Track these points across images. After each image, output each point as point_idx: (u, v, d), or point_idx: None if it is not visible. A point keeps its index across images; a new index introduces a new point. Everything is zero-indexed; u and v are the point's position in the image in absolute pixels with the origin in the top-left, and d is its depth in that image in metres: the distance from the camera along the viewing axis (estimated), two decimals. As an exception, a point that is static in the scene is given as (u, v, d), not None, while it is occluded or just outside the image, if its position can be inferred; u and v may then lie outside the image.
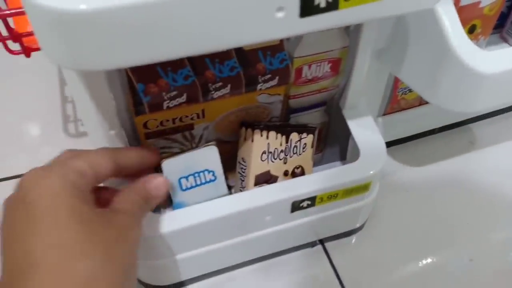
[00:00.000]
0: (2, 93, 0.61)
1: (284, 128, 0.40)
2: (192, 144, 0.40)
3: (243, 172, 0.40)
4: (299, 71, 0.38)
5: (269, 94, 0.39)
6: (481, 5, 0.36)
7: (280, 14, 0.24)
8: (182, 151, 0.37)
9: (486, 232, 0.49)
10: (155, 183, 0.32)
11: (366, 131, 0.42)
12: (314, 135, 0.40)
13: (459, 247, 0.47)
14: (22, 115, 0.59)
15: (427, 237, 0.48)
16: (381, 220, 0.49)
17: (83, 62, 0.22)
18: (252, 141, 0.38)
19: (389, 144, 0.55)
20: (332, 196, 0.40)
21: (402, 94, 0.49)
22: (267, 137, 0.38)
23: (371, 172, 0.40)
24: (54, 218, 0.25)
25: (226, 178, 0.40)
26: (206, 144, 0.37)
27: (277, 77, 0.37)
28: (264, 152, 0.38)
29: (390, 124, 0.52)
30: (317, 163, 0.51)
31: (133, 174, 0.33)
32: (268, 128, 0.38)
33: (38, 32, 0.22)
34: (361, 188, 0.41)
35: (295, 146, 0.39)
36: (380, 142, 0.42)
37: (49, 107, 0.58)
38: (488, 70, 0.35)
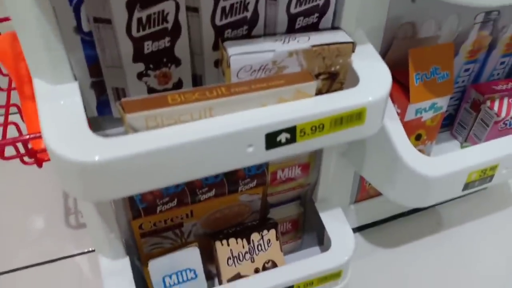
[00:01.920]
0: (8, 187, 0.66)
1: (243, 231, 0.45)
2: (182, 239, 0.45)
3: (219, 278, 0.45)
4: (274, 174, 0.45)
5: (249, 194, 0.45)
6: (423, 119, 0.44)
7: (250, 149, 0.31)
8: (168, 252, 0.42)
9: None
10: None
11: (336, 223, 0.48)
12: (275, 229, 0.45)
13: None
14: (26, 208, 0.64)
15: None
16: (357, 302, 0.53)
17: (96, 196, 0.28)
18: (216, 251, 0.43)
19: (363, 228, 0.61)
20: (308, 285, 0.44)
21: (370, 184, 0.56)
22: (228, 244, 0.43)
23: (342, 261, 0.45)
24: None
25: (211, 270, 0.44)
26: (189, 245, 0.42)
27: (255, 180, 0.44)
28: (229, 258, 0.43)
29: (362, 210, 0.58)
30: (297, 249, 0.56)
31: None
32: (228, 236, 0.44)
33: (61, 175, 0.28)
34: (334, 275, 0.46)
35: (259, 244, 0.44)
36: (348, 233, 0.47)
37: (52, 200, 0.64)
38: (432, 174, 0.41)
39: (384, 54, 0.43)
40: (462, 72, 0.51)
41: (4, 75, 0.52)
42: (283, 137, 0.31)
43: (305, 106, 0.31)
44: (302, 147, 0.32)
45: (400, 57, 0.42)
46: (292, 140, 0.32)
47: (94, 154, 0.27)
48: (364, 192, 0.57)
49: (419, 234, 0.61)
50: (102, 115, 0.34)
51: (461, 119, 0.54)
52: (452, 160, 0.42)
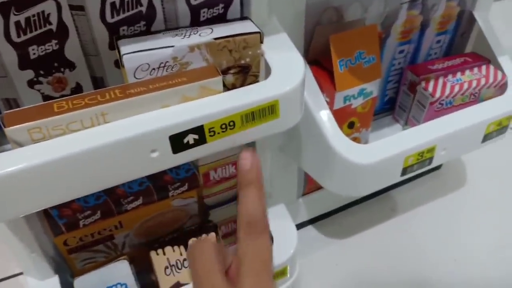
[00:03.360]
0: None
1: (180, 237, 0.42)
2: (116, 252, 0.43)
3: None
4: (206, 175, 0.43)
5: (182, 198, 0.43)
6: (353, 106, 0.42)
7: (154, 154, 0.29)
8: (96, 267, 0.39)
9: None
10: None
11: (278, 219, 0.46)
12: (216, 232, 0.43)
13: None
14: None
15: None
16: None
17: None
18: (152, 261, 0.41)
19: (315, 220, 0.60)
20: None
21: (316, 175, 0.54)
22: (164, 253, 0.41)
23: (283, 259, 0.43)
24: None
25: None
26: (118, 259, 0.40)
27: (186, 184, 0.41)
28: (166, 267, 0.41)
29: (312, 202, 0.57)
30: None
31: None
32: (163, 244, 0.41)
33: None
34: (279, 274, 0.44)
35: None
36: (291, 229, 0.46)
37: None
38: (365, 162, 0.40)
39: (309, 42, 0.42)
40: (396, 54, 0.50)
41: None
42: (190, 138, 0.29)
43: (211, 103, 0.29)
44: (214, 147, 0.30)
45: (326, 44, 0.41)
46: (201, 140, 0.30)
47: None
48: (312, 184, 0.55)
49: (374, 221, 0.60)
50: (-3, 130, 0.31)
51: (401, 101, 0.53)
52: (386, 146, 0.41)
